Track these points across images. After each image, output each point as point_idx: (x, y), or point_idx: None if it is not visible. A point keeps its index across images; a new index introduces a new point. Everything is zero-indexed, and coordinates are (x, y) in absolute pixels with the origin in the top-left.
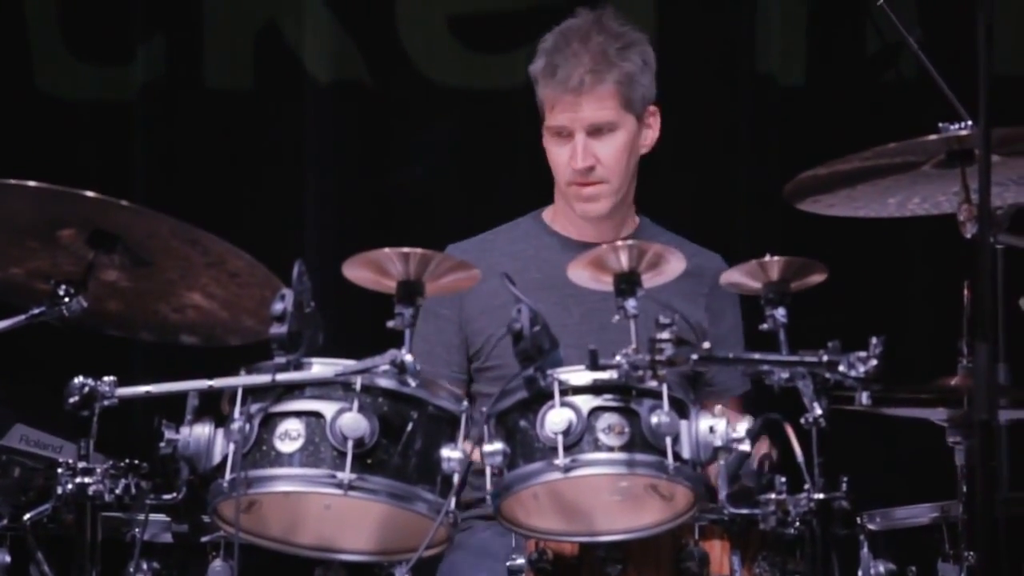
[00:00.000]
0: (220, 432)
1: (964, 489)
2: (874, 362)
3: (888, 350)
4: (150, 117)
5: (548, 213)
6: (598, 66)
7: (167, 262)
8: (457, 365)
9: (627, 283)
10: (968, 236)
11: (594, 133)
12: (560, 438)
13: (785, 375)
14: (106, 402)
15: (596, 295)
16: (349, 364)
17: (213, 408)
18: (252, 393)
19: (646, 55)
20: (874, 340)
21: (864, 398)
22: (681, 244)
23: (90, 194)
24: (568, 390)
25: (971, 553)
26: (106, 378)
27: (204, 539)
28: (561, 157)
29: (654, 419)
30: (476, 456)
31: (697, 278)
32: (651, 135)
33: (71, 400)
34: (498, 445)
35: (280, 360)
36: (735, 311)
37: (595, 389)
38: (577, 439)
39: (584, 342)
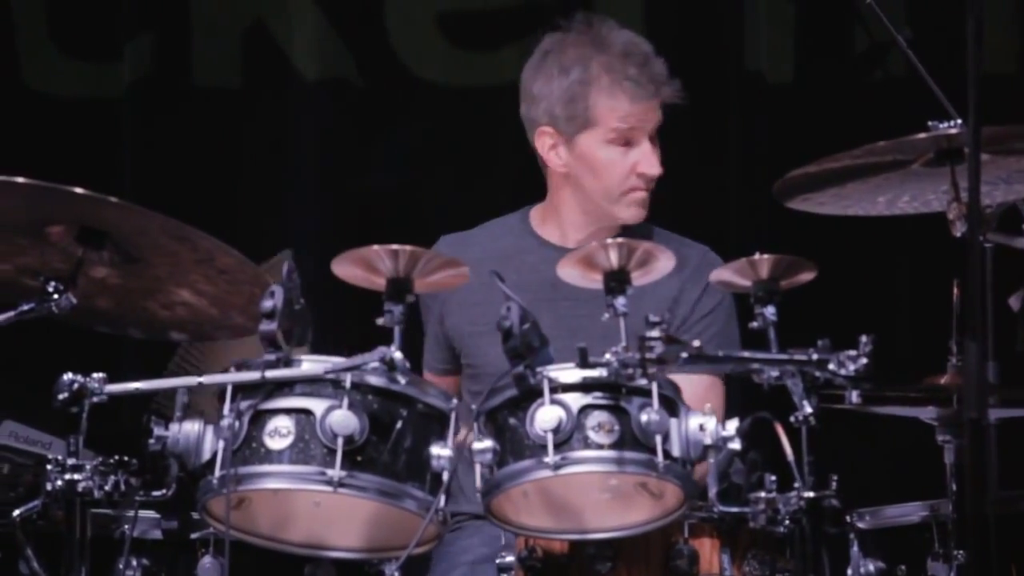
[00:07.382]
0: (210, 429)
1: (954, 488)
2: (864, 360)
3: (878, 348)
4: (138, 114)
5: (536, 213)
6: (662, 74)
7: (156, 259)
8: (440, 359)
9: (616, 281)
10: (957, 234)
11: (652, 139)
12: (550, 436)
13: (775, 373)
14: (95, 398)
15: (571, 302)
16: (339, 361)
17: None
18: (242, 390)
19: None
20: (864, 338)
21: (854, 396)
22: (667, 239)
23: (79, 191)
24: (558, 388)
25: (961, 552)
26: (95, 375)
27: (194, 536)
28: (622, 164)
29: (644, 417)
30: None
31: (678, 269)
32: None
33: (60, 397)
34: (488, 443)
35: (270, 357)
36: (713, 301)
37: (585, 387)
38: (567, 437)
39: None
